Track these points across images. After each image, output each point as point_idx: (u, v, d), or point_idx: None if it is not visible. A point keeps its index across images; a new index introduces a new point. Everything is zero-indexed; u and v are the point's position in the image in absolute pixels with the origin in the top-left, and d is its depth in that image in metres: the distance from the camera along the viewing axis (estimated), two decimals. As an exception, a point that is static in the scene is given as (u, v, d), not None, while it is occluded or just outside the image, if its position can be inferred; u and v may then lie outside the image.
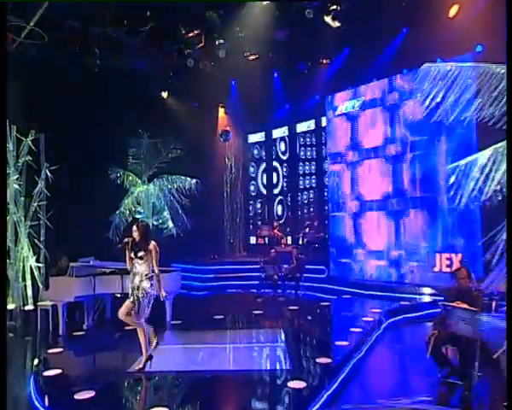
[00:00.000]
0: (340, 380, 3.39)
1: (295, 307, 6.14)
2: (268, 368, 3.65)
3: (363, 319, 5.00)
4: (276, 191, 10.09)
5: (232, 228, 10.43)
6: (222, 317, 5.66)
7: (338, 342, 4.16)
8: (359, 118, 6.96)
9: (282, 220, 10.08)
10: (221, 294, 7.72)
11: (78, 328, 5.33)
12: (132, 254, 3.43)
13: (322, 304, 6.33)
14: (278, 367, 3.66)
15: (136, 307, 3.42)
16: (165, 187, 7.91)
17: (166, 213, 7.87)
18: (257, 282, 7.64)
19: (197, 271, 8.29)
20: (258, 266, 7.83)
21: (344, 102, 7.17)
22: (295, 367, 3.58)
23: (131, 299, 3.52)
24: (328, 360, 3.67)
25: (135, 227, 3.44)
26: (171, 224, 7.79)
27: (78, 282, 5.32)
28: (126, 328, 4.22)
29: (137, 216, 8.03)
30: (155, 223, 7.69)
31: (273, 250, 7.73)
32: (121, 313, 3.49)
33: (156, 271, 3.37)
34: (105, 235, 7.27)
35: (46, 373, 3.67)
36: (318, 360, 3.65)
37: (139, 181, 8.30)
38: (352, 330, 4.54)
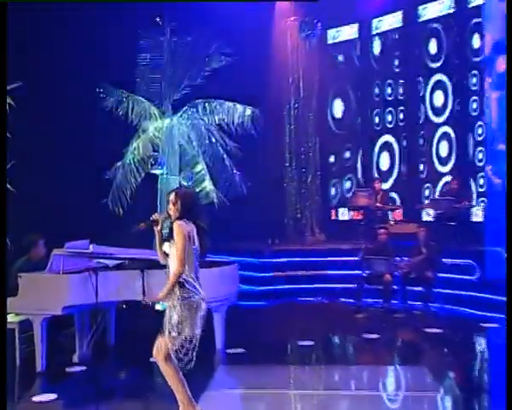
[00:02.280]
0: None
1: (437, 330, 6.07)
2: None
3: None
4: (378, 127, 10.08)
5: (302, 194, 10.31)
6: (308, 343, 5.68)
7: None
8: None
9: (392, 180, 10.00)
10: (289, 303, 7.83)
11: (65, 361, 5.11)
12: (165, 246, 3.36)
13: (483, 325, 6.20)
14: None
15: (175, 339, 3.28)
16: (200, 121, 7.97)
17: (202, 167, 7.84)
18: (350, 285, 7.56)
19: (249, 266, 8.07)
20: (353, 258, 7.94)
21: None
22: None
23: (168, 324, 3.33)
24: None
25: (172, 196, 3.36)
26: (209, 185, 7.86)
27: (69, 282, 5.02)
28: (147, 360, 4.18)
29: (155, 171, 7.83)
30: (185, 183, 7.74)
31: (383, 231, 7.45)
32: (157, 353, 3.35)
33: (176, 269, 3.22)
34: (103, 203, 7.60)
35: None
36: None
37: (156, 112, 7.96)
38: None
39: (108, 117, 7.57)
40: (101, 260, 5.44)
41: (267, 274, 8.46)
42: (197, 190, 7.81)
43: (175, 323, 3.24)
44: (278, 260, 8.64)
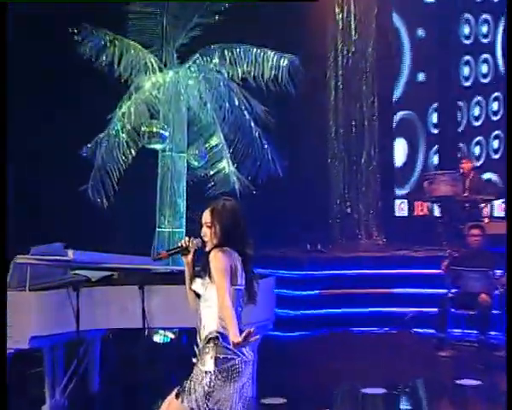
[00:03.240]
0: None
1: None
2: None
3: None
4: (467, 82, 10.74)
5: (354, 180, 10.69)
6: (373, 391, 5.94)
7: None
8: None
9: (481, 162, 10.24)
10: (340, 333, 7.98)
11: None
12: (196, 284, 3.50)
13: None
14: None
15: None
16: (217, 75, 7.87)
17: (219, 141, 7.85)
18: (429, 309, 7.78)
19: (283, 281, 7.98)
20: (432, 271, 8.11)
21: None
22: None
23: (193, 390, 3.42)
24: None
25: (207, 216, 3.51)
26: (229, 166, 7.84)
27: (38, 301, 5.21)
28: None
29: (153, 146, 7.76)
30: (195, 163, 7.78)
31: (476, 231, 7.58)
32: None
33: (227, 315, 3.32)
34: (80, 191, 7.59)
35: None
36: None
37: (154, 62, 7.87)
38: None
39: (86, 69, 7.71)
40: (81, 272, 5.61)
41: (308, 292, 8.58)
42: (212, 172, 7.86)
43: (202, 393, 3.31)
44: (322, 272, 8.79)
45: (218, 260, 3.31)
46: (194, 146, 7.97)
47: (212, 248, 3.38)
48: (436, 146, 10.95)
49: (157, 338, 7.02)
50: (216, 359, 3.28)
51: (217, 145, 7.92)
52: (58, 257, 5.24)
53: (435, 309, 7.42)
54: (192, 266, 3.46)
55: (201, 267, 3.42)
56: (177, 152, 7.83)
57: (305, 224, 9.70)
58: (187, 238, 3.48)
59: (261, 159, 7.83)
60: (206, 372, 3.30)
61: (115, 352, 6.27)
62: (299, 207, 9.76)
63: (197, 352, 3.43)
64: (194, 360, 3.46)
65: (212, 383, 3.27)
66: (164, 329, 6.72)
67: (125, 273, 5.65)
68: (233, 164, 7.87)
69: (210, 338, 3.31)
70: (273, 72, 7.67)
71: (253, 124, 7.86)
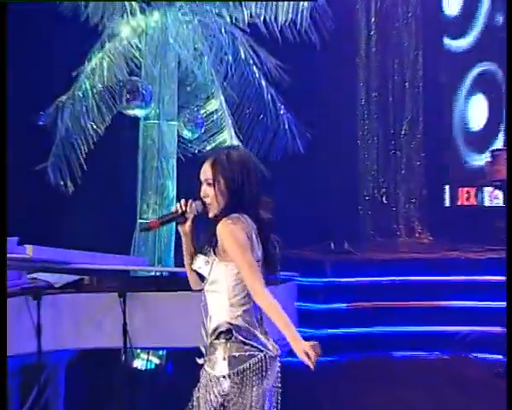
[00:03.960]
0: None
1: None
2: None
3: None
4: None
5: (390, 160, 10.90)
6: None
7: None
8: None
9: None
10: (379, 359, 8.17)
11: None
12: (199, 262, 3.58)
13: None
14: None
15: None
16: (217, 19, 7.90)
17: (220, 105, 7.95)
18: (493, 328, 8.11)
19: (301, 290, 8.01)
20: (494, 278, 8.36)
21: None
22: None
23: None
24: None
25: (208, 169, 3.54)
26: (231, 139, 7.94)
27: None
28: None
29: (133, 112, 7.74)
30: (189, 134, 7.88)
31: None
32: None
33: (268, 305, 3.36)
34: (37, 170, 7.67)
35: None
36: None
37: (133, 1, 7.87)
38: None
39: (43, 12, 7.87)
40: (41, 276, 5.59)
41: (333, 306, 8.69)
42: (210, 146, 7.90)
43: (215, 404, 3.35)
44: (351, 279, 8.91)
45: (231, 234, 3.31)
46: (186, 112, 7.97)
47: (218, 215, 3.40)
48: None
49: (138, 363, 7.03)
50: (230, 359, 3.30)
51: (216, 111, 7.95)
52: (12, 255, 5.06)
53: (501, 328, 7.43)
54: (191, 237, 3.52)
55: (204, 240, 3.47)
56: (165, 120, 7.84)
57: (328, 216, 9.78)
58: (183, 201, 3.49)
59: (275, 129, 7.88)
60: (217, 378, 3.33)
61: (85, 380, 6.39)
62: (321, 195, 9.84)
63: (203, 351, 3.47)
64: (199, 361, 3.50)
65: (226, 391, 3.30)
66: (150, 350, 6.74)
67: (98, 277, 5.66)
68: (237, 136, 7.89)
69: (220, 332, 3.34)
70: (290, 15, 7.67)
71: (263, 83, 7.87)
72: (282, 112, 7.89)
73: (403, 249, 10.03)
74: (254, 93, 7.94)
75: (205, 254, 3.44)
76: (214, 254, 3.37)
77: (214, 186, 3.39)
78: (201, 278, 3.49)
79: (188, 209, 3.44)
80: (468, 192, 11.13)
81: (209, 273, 3.40)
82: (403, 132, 10.85)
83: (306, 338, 7.69)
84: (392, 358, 8.12)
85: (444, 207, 11.28)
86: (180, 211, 3.45)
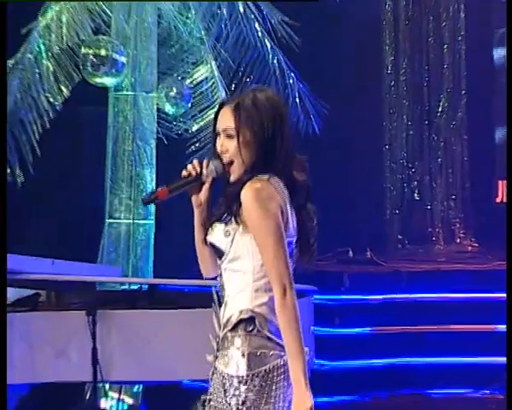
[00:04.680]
0: None
1: None
2: None
3: None
4: None
5: (423, 147, 11.03)
6: None
7: None
8: None
9: None
10: (413, 398, 8.27)
11: None
12: (216, 233, 3.53)
13: None
14: None
15: None
16: None
17: (211, 70, 8.12)
18: None
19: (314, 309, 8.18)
20: None
21: None
22: None
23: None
24: None
25: (227, 112, 3.49)
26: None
27: None
28: None
29: (102, 81, 7.82)
30: (172, 110, 7.97)
31: None
32: None
33: (285, 306, 3.36)
34: None
35: None
36: None
37: None
38: None
39: None
40: None
41: (354, 330, 8.81)
42: (198, 125, 8.02)
43: (236, 404, 3.36)
44: (376, 297, 9.06)
45: (258, 199, 3.26)
46: (169, 81, 8.05)
47: (242, 177, 3.38)
48: None
49: (105, 404, 7.02)
50: (250, 356, 3.31)
51: (207, 80, 8.05)
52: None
53: None
54: (207, 205, 3.49)
55: (223, 206, 3.44)
56: (142, 91, 7.94)
57: (347, 216, 9.88)
58: (196, 162, 3.45)
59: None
60: (232, 377, 3.34)
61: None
62: (336, 189, 9.89)
63: (215, 345, 3.50)
64: (208, 358, 3.56)
65: (244, 395, 3.30)
66: (124, 384, 6.78)
67: (59, 291, 5.67)
68: None
69: (239, 321, 3.34)
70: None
71: (268, 44, 7.95)
72: (291, 81, 7.97)
73: (440, 259, 10.02)
74: (256, 58, 8.01)
75: (224, 223, 3.41)
76: (237, 223, 3.34)
77: (238, 138, 3.36)
78: (218, 254, 3.45)
79: (204, 171, 3.41)
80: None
81: (230, 247, 3.37)
82: (440, 109, 10.89)
83: (314, 370, 7.80)
84: (427, 397, 8.14)
85: (493, 206, 11.21)
86: (194, 174, 3.41)
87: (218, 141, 3.40)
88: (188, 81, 8.10)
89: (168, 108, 7.97)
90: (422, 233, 10.92)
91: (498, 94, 11.15)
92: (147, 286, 6.83)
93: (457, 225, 10.81)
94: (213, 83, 8.04)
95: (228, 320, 3.38)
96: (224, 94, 8.01)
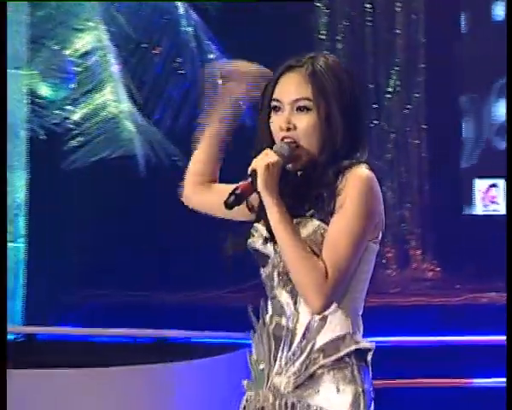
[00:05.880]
0: None
1: None
2: None
3: None
4: None
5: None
6: None
7: None
8: None
9: None
10: None
11: None
12: (259, 238, 3.62)
13: None
14: None
15: None
16: None
17: (98, 42, 8.54)
18: None
19: None
20: None
21: None
22: None
23: None
24: None
25: (298, 76, 3.54)
26: (119, 102, 8.52)
27: None
28: None
29: None
30: (47, 92, 8.39)
31: None
32: None
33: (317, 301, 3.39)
34: None
35: None
36: None
37: None
38: None
39: None
40: None
41: None
42: (80, 113, 8.38)
43: None
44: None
45: (371, 190, 3.38)
46: (44, 54, 8.31)
47: (327, 161, 3.45)
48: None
49: None
50: (357, 396, 3.39)
51: (93, 52, 8.33)
52: None
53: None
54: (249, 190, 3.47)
55: (299, 201, 3.51)
56: (9, 68, 7.92)
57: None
58: (269, 151, 3.48)
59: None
60: None
61: None
62: None
63: (278, 383, 3.53)
64: (249, 394, 3.58)
65: None
66: None
67: None
68: (132, 96, 8.31)
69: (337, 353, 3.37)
70: None
71: (181, 8, 8.35)
72: (212, 56, 8.28)
73: (391, 290, 10.46)
74: (164, 25, 8.36)
75: (298, 215, 3.48)
76: (322, 220, 3.44)
77: (319, 112, 3.48)
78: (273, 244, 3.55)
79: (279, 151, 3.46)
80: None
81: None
82: (389, 89, 11.35)
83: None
84: None
85: (464, 217, 11.49)
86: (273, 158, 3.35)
87: (275, 117, 3.50)
88: (67, 52, 8.38)
89: (44, 92, 8.28)
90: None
91: (469, 68, 11.68)
92: (21, 337, 7.17)
93: (413, 243, 11.11)
94: (102, 56, 8.33)
95: (310, 349, 3.45)
96: (117, 69, 8.33)
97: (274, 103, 3.48)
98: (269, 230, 3.52)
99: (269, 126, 3.47)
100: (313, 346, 3.46)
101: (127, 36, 8.72)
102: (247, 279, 9.79)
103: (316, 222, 3.48)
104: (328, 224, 3.41)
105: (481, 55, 11.76)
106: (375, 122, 11.29)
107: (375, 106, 11.34)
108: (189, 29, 8.68)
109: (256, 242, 3.57)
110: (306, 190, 3.51)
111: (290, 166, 3.46)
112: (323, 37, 11.44)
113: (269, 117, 3.50)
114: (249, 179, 3.42)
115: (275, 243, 3.50)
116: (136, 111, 8.51)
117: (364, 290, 3.49)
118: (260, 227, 3.57)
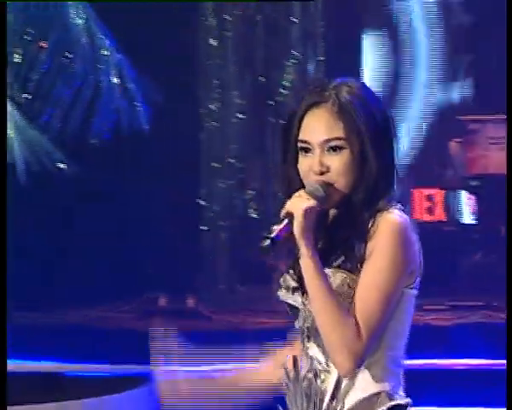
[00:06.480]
0: None
1: None
2: None
3: None
4: None
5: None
6: None
7: None
8: None
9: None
10: None
11: None
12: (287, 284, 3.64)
13: None
14: None
15: None
16: None
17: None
18: None
19: None
20: None
21: None
22: None
23: None
24: None
25: (326, 112, 3.50)
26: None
27: None
28: None
29: None
30: None
31: None
32: None
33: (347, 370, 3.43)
34: None
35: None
36: None
37: None
38: None
39: None
40: None
41: None
42: None
43: None
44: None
45: (401, 235, 3.34)
46: None
47: (362, 200, 3.43)
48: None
49: None
50: None
51: None
52: None
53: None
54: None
55: (331, 245, 3.45)
56: None
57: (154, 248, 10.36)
58: (303, 192, 3.39)
59: (93, 85, 8.31)
60: None
61: None
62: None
63: None
64: None
65: None
66: None
67: None
68: (11, 96, 8.08)
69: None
70: None
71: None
72: (106, 52, 8.16)
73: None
74: (51, 16, 8.14)
75: (337, 268, 3.39)
76: (349, 271, 3.36)
77: (352, 150, 3.42)
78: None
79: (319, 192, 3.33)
80: (429, 198, 11.56)
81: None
82: (286, 84, 11.26)
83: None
84: None
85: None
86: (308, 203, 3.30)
87: (303, 159, 3.42)
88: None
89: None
90: (269, 269, 10.68)
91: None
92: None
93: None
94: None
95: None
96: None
97: (302, 145, 3.45)
98: (299, 278, 3.44)
99: (296, 168, 3.46)
100: (342, 407, 3.45)
101: (8, 26, 8.09)
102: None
103: (343, 274, 3.41)
104: (354, 272, 3.37)
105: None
106: (272, 120, 11.36)
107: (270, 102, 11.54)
108: (80, 21, 8.39)
109: (285, 295, 3.55)
110: (337, 232, 3.48)
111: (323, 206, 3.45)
112: (207, 20, 11.43)
113: (296, 159, 3.49)
114: (285, 222, 3.33)
115: (303, 293, 3.46)
116: (15, 112, 8.38)
117: (402, 344, 3.46)
118: (287, 277, 3.52)
